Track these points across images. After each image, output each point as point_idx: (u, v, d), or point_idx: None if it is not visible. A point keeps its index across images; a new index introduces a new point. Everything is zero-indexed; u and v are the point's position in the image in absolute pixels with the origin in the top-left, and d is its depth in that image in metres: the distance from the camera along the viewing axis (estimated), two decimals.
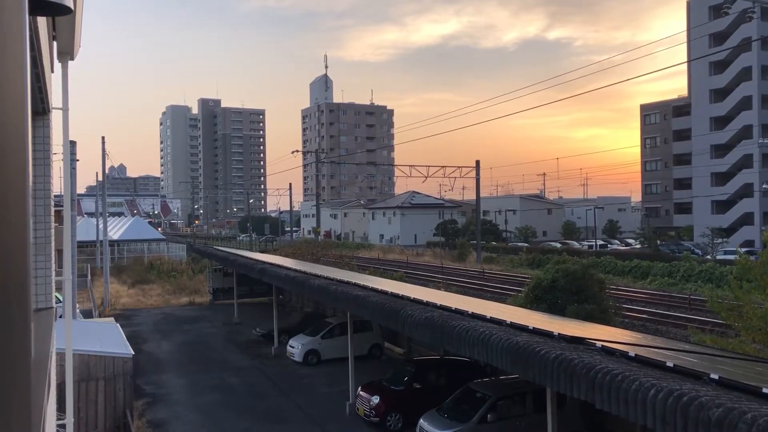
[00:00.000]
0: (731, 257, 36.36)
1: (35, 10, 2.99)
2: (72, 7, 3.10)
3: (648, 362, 7.99)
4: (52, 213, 7.35)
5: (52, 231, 7.30)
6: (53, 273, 7.34)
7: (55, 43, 6.48)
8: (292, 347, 22.85)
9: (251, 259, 29.91)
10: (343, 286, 17.13)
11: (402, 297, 14.28)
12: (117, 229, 68.07)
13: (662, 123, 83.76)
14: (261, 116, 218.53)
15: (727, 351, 13.50)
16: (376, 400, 15.68)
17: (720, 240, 59.41)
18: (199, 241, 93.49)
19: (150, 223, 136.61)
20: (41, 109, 6.80)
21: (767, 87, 63.10)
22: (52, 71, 6.90)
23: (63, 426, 8.00)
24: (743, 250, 18.39)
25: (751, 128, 67.84)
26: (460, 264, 61.17)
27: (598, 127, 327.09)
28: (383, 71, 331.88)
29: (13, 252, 1.42)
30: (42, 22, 4.79)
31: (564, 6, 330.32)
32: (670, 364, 7.70)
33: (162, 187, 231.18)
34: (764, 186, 58.81)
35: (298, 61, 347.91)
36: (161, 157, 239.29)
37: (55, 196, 9.14)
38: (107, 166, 37.73)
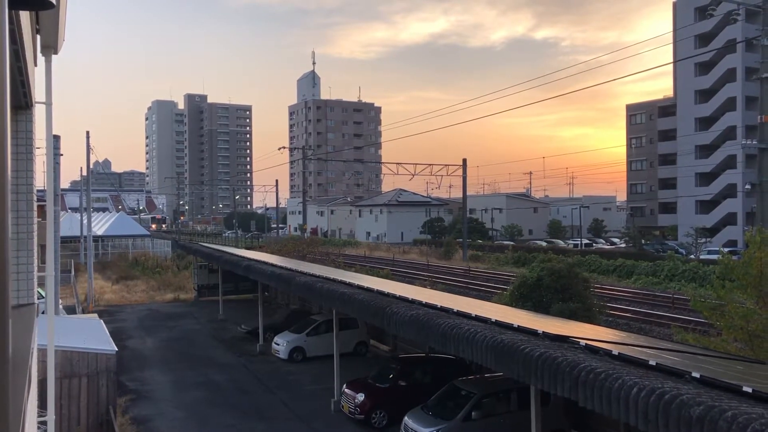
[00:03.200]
0: (714, 257, 36.70)
1: (17, 3, 2.95)
2: (54, 2, 3.07)
3: (631, 361, 8.05)
4: (35, 208, 7.28)
5: (35, 226, 7.23)
6: (35, 268, 7.27)
7: (38, 37, 6.41)
8: (278, 344, 22.80)
9: (237, 255, 29.80)
10: (329, 283, 17.11)
11: (388, 295, 14.28)
12: (101, 224, 67.59)
13: (648, 123, 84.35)
14: (248, 112, 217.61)
15: (709, 350, 13.63)
16: (361, 397, 15.68)
17: (704, 240, 59.94)
18: (185, 237, 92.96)
19: (153, 218, 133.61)
20: (24, 103, 6.73)
21: (751, 88, 63.58)
22: (36, 65, 6.83)
23: (44, 423, 7.93)
24: (726, 249, 18.56)
25: (736, 129, 68.51)
26: (447, 262, 61.31)
27: (585, 126, 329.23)
28: (371, 69, 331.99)
29: None
30: (25, 15, 4.74)
31: (551, 6, 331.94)
32: (652, 362, 7.77)
33: (147, 183, 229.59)
34: (747, 187, 59.31)
35: (285, 58, 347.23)
36: (146, 153, 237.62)
37: (39, 190, 9.05)
38: (92, 161, 37.47)
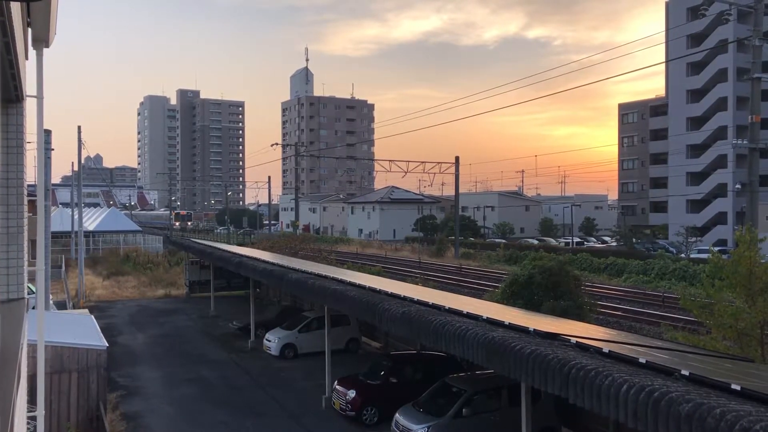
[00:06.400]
0: (704, 256, 36.94)
1: None
2: None
3: (621, 358, 8.09)
4: (26, 203, 7.24)
5: (25, 221, 7.19)
6: (26, 263, 7.24)
7: (29, 30, 6.37)
8: (269, 341, 22.78)
9: (229, 252, 29.73)
10: (320, 280, 17.09)
11: (379, 291, 14.29)
12: (92, 219, 67.29)
13: (640, 122, 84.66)
14: (240, 108, 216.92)
15: (699, 348, 13.72)
16: (352, 394, 15.69)
17: (694, 239, 60.25)
18: (176, 233, 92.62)
19: (178, 215, 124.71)
20: (15, 96, 6.68)
21: (742, 88, 63.90)
22: (27, 58, 6.78)
23: (34, 418, 7.90)
24: (716, 249, 18.64)
25: (726, 129, 68.82)
26: (438, 259, 61.39)
27: (577, 125, 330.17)
28: (364, 66, 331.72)
29: None
30: (16, 8, 4.71)
31: (543, 5, 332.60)
32: (642, 360, 7.81)
33: (139, 178, 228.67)
34: (738, 186, 59.67)
35: (278, 55, 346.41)
36: (138, 148, 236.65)
37: (29, 185, 9.00)
38: (83, 156, 37.26)
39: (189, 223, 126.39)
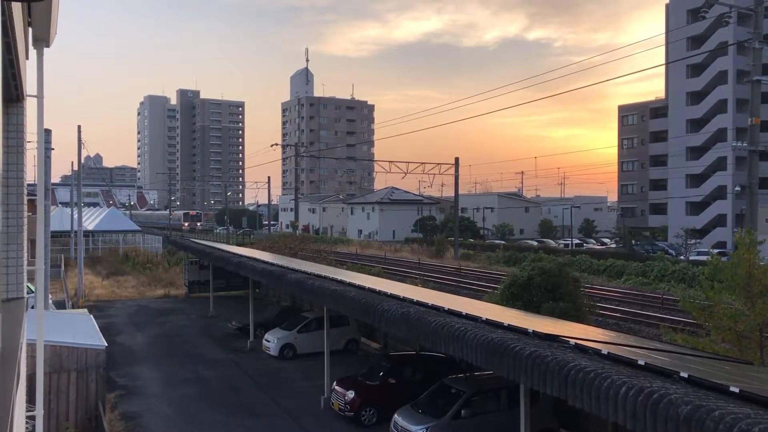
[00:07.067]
0: (704, 258, 36.94)
1: None
2: None
3: (620, 360, 8.09)
4: (26, 202, 7.23)
5: (25, 220, 7.19)
6: (25, 263, 7.23)
7: (30, 30, 6.38)
8: (268, 341, 22.78)
9: (228, 252, 29.72)
10: (320, 280, 17.10)
11: (379, 292, 14.30)
12: (92, 219, 67.27)
13: (639, 124, 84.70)
14: (240, 108, 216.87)
15: (698, 350, 13.72)
16: (351, 394, 15.69)
17: (693, 241, 60.23)
18: (176, 233, 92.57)
19: (186, 215, 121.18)
20: (15, 96, 6.68)
21: (742, 91, 63.86)
22: (27, 58, 6.79)
23: (33, 418, 7.90)
24: (715, 251, 18.64)
25: (726, 131, 68.82)
26: (438, 260, 61.38)
27: (577, 127, 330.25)
28: (365, 67, 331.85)
29: None
30: (17, 8, 4.71)
31: (544, 7, 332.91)
32: (641, 362, 7.81)
33: (138, 178, 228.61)
34: (737, 189, 59.69)
35: (278, 55, 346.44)
36: (138, 148, 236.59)
37: (29, 185, 9.00)
38: (83, 156, 37.27)
39: (199, 224, 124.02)
